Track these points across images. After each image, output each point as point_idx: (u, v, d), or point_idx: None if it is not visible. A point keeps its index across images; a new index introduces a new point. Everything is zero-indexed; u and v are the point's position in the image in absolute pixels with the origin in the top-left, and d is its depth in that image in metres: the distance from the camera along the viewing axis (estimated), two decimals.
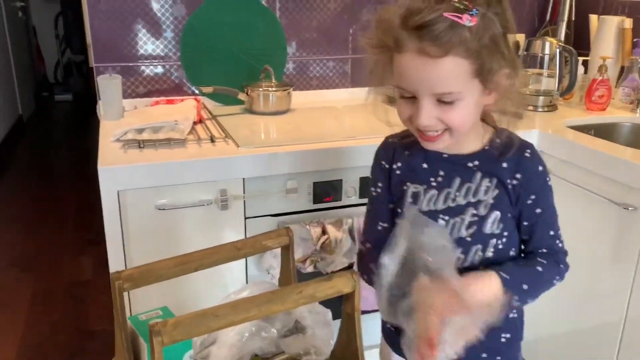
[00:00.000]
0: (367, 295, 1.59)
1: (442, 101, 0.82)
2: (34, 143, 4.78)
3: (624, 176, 1.41)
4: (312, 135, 1.61)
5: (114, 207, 1.35)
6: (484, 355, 0.99)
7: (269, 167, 1.45)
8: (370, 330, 1.62)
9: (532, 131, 1.67)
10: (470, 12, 0.78)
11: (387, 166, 0.98)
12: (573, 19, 2.14)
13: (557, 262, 0.94)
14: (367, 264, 0.95)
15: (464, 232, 0.92)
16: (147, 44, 1.83)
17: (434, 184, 0.93)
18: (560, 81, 1.87)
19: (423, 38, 0.78)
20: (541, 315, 1.76)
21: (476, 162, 0.91)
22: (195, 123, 1.63)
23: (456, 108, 0.82)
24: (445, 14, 0.77)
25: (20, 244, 2.92)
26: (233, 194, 1.44)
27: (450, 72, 0.79)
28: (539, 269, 0.92)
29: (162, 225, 1.40)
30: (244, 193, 1.45)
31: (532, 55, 1.93)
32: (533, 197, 0.92)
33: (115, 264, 1.39)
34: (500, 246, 0.93)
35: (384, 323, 1.10)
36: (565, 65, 1.89)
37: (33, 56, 5.76)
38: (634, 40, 1.93)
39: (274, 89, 1.82)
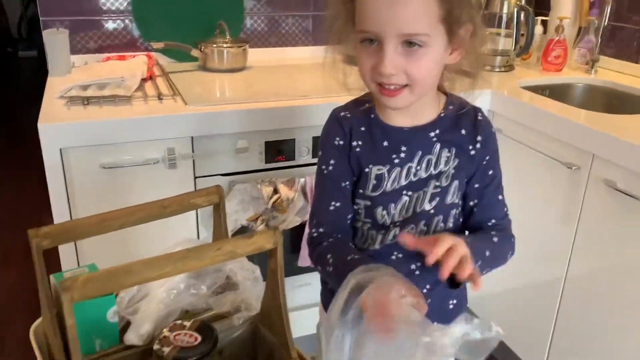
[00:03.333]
0: (303, 254, 1.62)
1: (409, 43, 0.78)
2: None
3: (570, 136, 1.42)
4: (265, 94, 1.59)
5: (56, 165, 1.32)
6: (435, 323, 0.99)
7: (218, 126, 1.44)
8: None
9: (485, 91, 1.67)
10: None
11: (341, 142, 0.91)
12: None
13: (509, 236, 0.95)
14: (322, 253, 0.91)
15: (427, 206, 0.90)
16: None
17: (396, 160, 0.90)
18: (517, 41, 1.87)
19: None
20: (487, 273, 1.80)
21: (437, 131, 0.89)
22: (144, 80, 1.60)
23: (421, 58, 0.79)
24: None
25: None
26: (181, 153, 1.42)
27: (419, 10, 0.76)
28: (495, 239, 0.91)
29: (108, 184, 1.39)
30: (192, 152, 1.44)
31: (491, 14, 1.91)
32: (487, 158, 0.92)
33: None
34: (457, 215, 0.94)
35: (324, 292, 1.06)
36: (525, 25, 1.88)
37: None
38: (591, 1, 1.92)
39: (228, 45, 1.78)
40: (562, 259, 1.49)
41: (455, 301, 1.00)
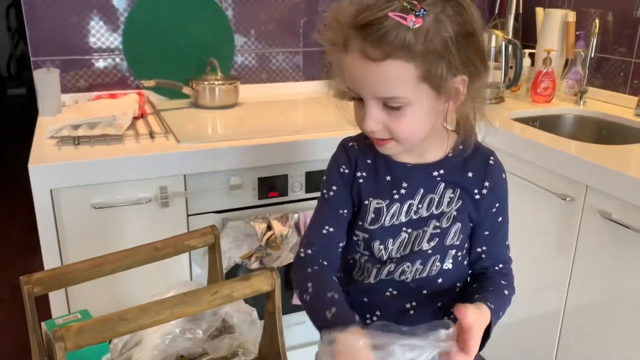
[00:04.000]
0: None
1: (389, 106, 0.78)
2: None
3: (563, 168, 1.43)
4: (257, 130, 1.58)
5: (46, 206, 1.30)
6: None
7: (210, 163, 1.43)
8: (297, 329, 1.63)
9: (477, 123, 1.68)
10: (417, 13, 0.72)
11: (346, 171, 0.91)
12: (521, 12, 2.16)
13: (511, 282, 0.94)
14: (303, 279, 0.87)
15: (425, 245, 0.89)
16: (88, 36, 1.78)
17: (396, 196, 0.89)
18: (506, 74, 1.89)
19: (366, 39, 0.74)
20: None
21: (441, 172, 0.88)
22: (136, 118, 1.59)
23: (404, 115, 0.78)
24: (391, 14, 0.72)
25: None
26: (174, 191, 1.41)
27: (392, 76, 0.75)
28: (506, 292, 0.91)
29: (100, 224, 1.37)
30: (185, 190, 1.43)
31: None
32: (497, 205, 0.91)
33: (50, 266, 1.34)
34: (459, 257, 0.92)
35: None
36: (513, 58, 1.91)
37: None
38: (577, 33, 1.96)
39: (220, 82, 1.78)
40: (560, 290, 1.48)
41: (440, 303, 0.99)
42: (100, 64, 1.82)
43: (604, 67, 1.96)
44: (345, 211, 0.91)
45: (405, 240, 0.90)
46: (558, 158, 1.44)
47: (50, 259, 1.34)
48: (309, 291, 0.85)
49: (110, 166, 1.33)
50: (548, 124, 1.83)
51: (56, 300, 1.37)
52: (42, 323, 0.80)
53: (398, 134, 0.80)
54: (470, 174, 0.89)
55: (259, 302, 0.85)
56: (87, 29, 1.77)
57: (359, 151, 0.91)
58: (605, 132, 1.81)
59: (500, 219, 0.92)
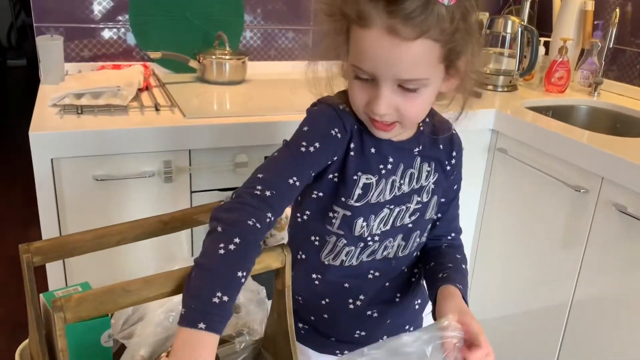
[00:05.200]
0: None
1: (404, 88, 0.73)
2: None
3: (577, 158, 1.39)
4: (265, 108, 1.54)
5: (46, 176, 1.26)
6: (407, 326, 0.98)
7: (217, 139, 1.39)
8: None
9: (490, 110, 1.64)
10: None
11: (339, 136, 0.80)
12: None
13: (464, 252, 0.94)
14: (235, 221, 0.69)
15: (407, 220, 0.87)
16: (93, 4, 1.72)
17: (383, 171, 0.84)
18: (520, 61, 1.85)
19: (395, 14, 0.67)
20: (491, 296, 1.76)
21: (420, 148, 0.86)
22: (141, 90, 1.55)
23: (419, 97, 0.74)
24: None
25: None
26: (178, 166, 1.37)
27: (421, 56, 0.70)
28: (463, 266, 0.90)
29: (101, 197, 1.33)
30: (190, 165, 1.39)
31: (495, 33, 1.89)
32: (455, 173, 0.91)
33: (48, 237, 1.31)
34: (429, 229, 0.92)
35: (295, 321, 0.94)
36: (527, 45, 1.86)
37: None
38: (595, 22, 1.92)
39: (228, 57, 1.74)
40: (569, 282, 1.45)
41: (419, 301, 0.99)
42: (106, 33, 1.77)
43: (620, 58, 1.92)
44: (312, 174, 0.80)
45: (387, 216, 0.86)
46: (572, 148, 1.41)
47: (48, 231, 1.30)
48: (233, 240, 0.67)
49: (113, 137, 1.29)
50: (561, 114, 1.79)
51: (54, 274, 1.33)
52: (41, 295, 0.76)
53: (407, 115, 0.76)
54: (441, 146, 0.88)
55: (268, 282, 0.82)
56: None
57: (352, 118, 0.81)
58: (619, 125, 1.77)
59: (455, 186, 0.92)
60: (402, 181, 0.85)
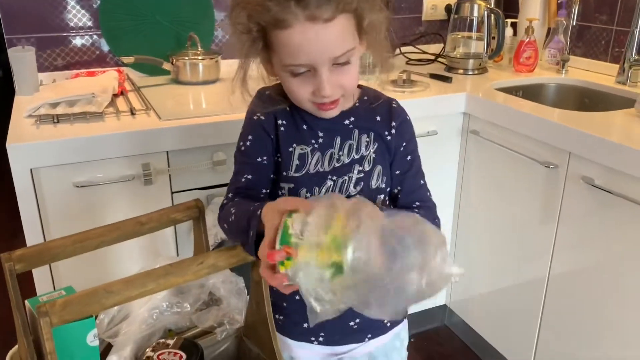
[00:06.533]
0: None
1: (338, 64, 0.78)
2: None
3: (546, 136, 1.44)
4: (239, 106, 1.55)
5: (27, 186, 1.28)
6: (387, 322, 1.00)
7: (193, 139, 1.41)
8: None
9: (461, 94, 1.68)
10: None
11: (262, 118, 0.90)
12: None
13: (433, 215, 0.95)
14: (226, 210, 0.85)
15: (352, 190, 0.91)
16: (64, 13, 1.73)
17: (316, 145, 0.90)
18: (489, 44, 1.89)
19: (307, 5, 0.73)
20: (473, 274, 1.81)
21: (352, 119, 0.91)
22: (116, 95, 1.56)
23: (351, 67, 0.80)
24: None
25: None
26: (157, 168, 1.39)
27: (343, 30, 0.76)
28: (418, 215, 0.92)
29: (83, 203, 1.35)
30: (168, 167, 1.41)
31: (462, 18, 1.93)
32: (404, 144, 0.94)
33: None
34: (387, 201, 0.94)
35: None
36: (495, 28, 1.90)
37: None
38: (559, 1, 1.96)
39: (200, 57, 1.76)
40: (545, 257, 1.50)
41: None
42: (78, 41, 1.78)
43: (586, 35, 1.96)
44: (265, 158, 0.89)
45: (332, 187, 0.90)
46: (541, 126, 1.45)
47: (32, 240, 1.32)
48: (232, 212, 0.82)
49: (91, 144, 1.31)
50: (531, 93, 1.84)
51: (40, 280, 1.35)
52: (26, 301, 0.79)
53: (348, 86, 0.83)
54: (378, 118, 0.92)
55: (247, 272, 0.85)
56: (63, 6, 1.73)
57: (276, 100, 0.90)
58: (587, 100, 1.82)
59: (408, 157, 0.94)
60: (341, 152, 0.90)
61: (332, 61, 0.78)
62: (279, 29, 0.75)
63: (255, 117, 0.90)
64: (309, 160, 0.89)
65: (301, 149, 0.89)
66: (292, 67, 0.79)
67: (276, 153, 0.90)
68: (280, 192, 0.90)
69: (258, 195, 0.89)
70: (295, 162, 0.89)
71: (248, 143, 0.90)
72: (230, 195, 0.89)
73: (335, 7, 0.74)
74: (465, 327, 1.88)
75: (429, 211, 0.94)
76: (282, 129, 0.89)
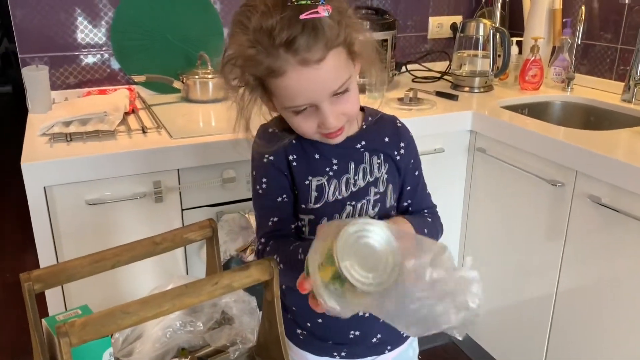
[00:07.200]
0: None
1: (338, 94, 0.81)
2: None
3: (552, 154, 1.45)
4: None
5: (40, 204, 1.30)
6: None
7: (203, 157, 1.43)
8: None
9: (467, 112, 1.70)
10: (320, 1, 0.75)
11: (271, 158, 0.91)
12: (507, 0, 2.18)
13: (438, 217, 1.02)
14: (266, 251, 0.92)
15: (371, 212, 0.93)
16: (76, 32, 1.77)
17: (330, 173, 0.91)
18: (494, 62, 1.91)
19: (297, 52, 0.75)
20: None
21: (363, 142, 0.93)
22: (127, 113, 1.59)
23: (350, 93, 0.83)
24: (303, 17, 0.74)
25: None
26: (168, 186, 1.41)
27: (337, 64, 0.78)
28: (429, 219, 0.99)
29: (94, 221, 1.37)
30: (179, 184, 1.43)
31: (468, 36, 1.95)
32: (412, 161, 0.98)
33: (46, 264, 1.34)
34: (392, 216, 0.97)
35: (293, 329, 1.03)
36: (500, 46, 1.92)
37: None
38: (564, 20, 1.98)
39: (210, 76, 1.78)
40: (552, 274, 1.50)
41: None
42: (90, 59, 1.81)
43: (591, 53, 1.98)
44: (284, 196, 0.92)
45: (351, 212, 0.92)
46: (547, 144, 1.46)
47: (45, 257, 1.34)
48: (277, 261, 0.84)
49: (103, 162, 1.33)
50: (536, 111, 1.85)
51: (52, 297, 1.37)
52: (43, 320, 0.80)
53: (351, 112, 0.85)
54: (386, 139, 0.95)
55: (259, 292, 0.86)
56: (76, 25, 1.76)
57: (281, 135, 0.91)
58: (592, 118, 1.83)
59: (416, 172, 0.99)
60: (356, 177, 0.92)
61: (332, 94, 0.80)
62: (274, 77, 0.78)
63: (265, 160, 0.91)
64: (327, 190, 0.91)
65: (317, 180, 0.91)
66: (293, 108, 0.82)
67: (292, 187, 0.92)
68: (300, 224, 0.93)
69: (289, 232, 0.92)
70: (314, 194, 0.91)
71: (264, 186, 0.92)
72: (263, 240, 0.92)
73: (324, 46, 0.75)
74: (472, 344, 1.88)
75: (435, 216, 1.01)
76: (294, 164, 0.91)
